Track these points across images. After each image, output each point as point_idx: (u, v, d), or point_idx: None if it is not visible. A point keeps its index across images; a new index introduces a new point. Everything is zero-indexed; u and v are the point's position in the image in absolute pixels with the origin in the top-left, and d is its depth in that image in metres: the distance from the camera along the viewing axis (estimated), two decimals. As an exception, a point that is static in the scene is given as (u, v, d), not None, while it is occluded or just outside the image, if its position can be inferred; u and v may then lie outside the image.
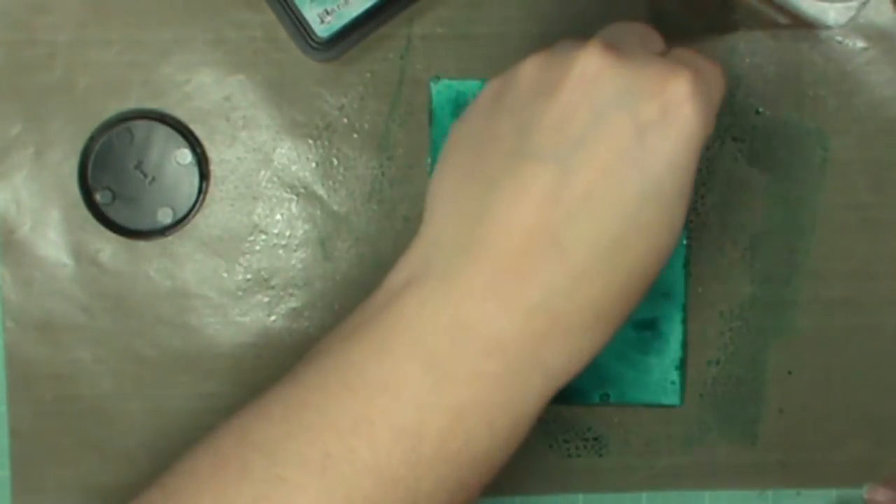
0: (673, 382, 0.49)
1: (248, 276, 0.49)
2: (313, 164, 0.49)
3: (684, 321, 0.49)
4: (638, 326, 0.49)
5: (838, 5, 0.39)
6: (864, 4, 0.39)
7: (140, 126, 0.48)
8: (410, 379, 0.33)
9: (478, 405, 0.33)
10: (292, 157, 0.49)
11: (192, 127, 0.48)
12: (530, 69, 0.34)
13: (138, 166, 0.48)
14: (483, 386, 0.33)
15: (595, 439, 0.50)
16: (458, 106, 0.48)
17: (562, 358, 0.34)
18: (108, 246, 0.49)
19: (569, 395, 0.49)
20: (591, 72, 0.33)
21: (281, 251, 0.49)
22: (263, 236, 0.49)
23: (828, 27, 0.40)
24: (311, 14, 0.47)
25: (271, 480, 0.33)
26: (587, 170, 0.32)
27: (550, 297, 0.33)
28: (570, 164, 0.32)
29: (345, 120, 0.49)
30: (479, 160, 0.34)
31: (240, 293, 0.49)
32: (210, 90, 0.49)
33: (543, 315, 0.33)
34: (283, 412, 0.35)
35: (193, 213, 0.49)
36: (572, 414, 0.50)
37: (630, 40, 0.35)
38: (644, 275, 0.34)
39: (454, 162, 0.36)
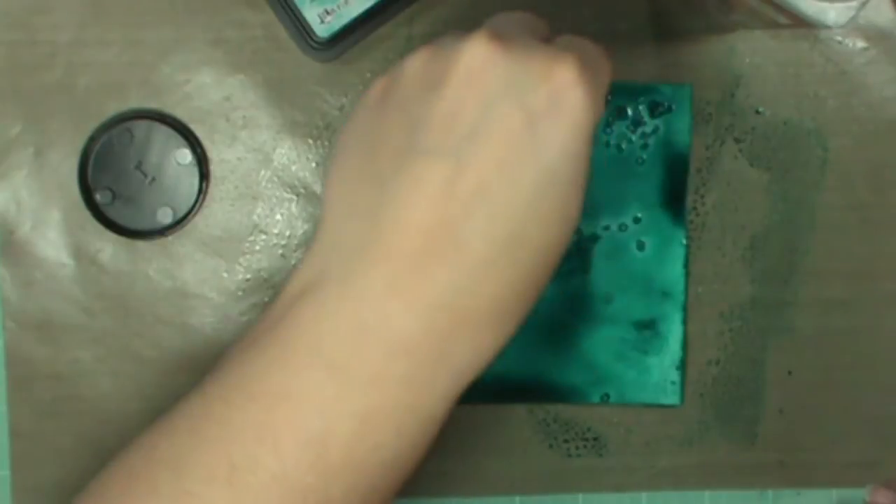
0: (673, 382, 0.49)
1: (248, 276, 0.49)
2: (313, 164, 0.49)
3: (684, 321, 0.49)
4: (638, 326, 0.49)
5: (838, 5, 0.39)
6: (864, 4, 0.39)
7: (140, 126, 0.48)
8: (312, 386, 0.33)
9: (384, 409, 0.33)
10: (292, 157, 0.49)
11: (192, 127, 0.48)
12: (416, 64, 0.34)
13: (138, 166, 0.48)
14: (388, 389, 0.33)
15: (595, 439, 0.50)
16: (458, 106, 0.48)
17: (468, 355, 0.34)
18: (108, 246, 0.49)
19: (569, 395, 0.49)
20: (476, 63, 0.33)
21: (281, 251, 0.49)
22: (263, 236, 0.49)
23: (828, 27, 0.40)
24: (311, 14, 0.47)
25: (179, 496, 0.33)
26: (480, 163, 0.32)
27: (453, 294, 0.32)
28: (462, 158, 0.32)
29: (345, 120, 0.49)
30: (371, 160, 0.34)
31: (240, 293, 0.49)
32: (210, 90, 0.49)
33: (447, 312, 0.33)
34: (188, 425, 0.34)
35: (193, 213, 0.49)
36: (572, 414, 0.50)
37: (515, 29, 0.35)
38: (545, 264, 0.34)
39: (346, 163, 0.35)
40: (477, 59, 0.32)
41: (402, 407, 0.33)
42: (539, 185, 0.32)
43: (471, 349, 0.33)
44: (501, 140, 0.32)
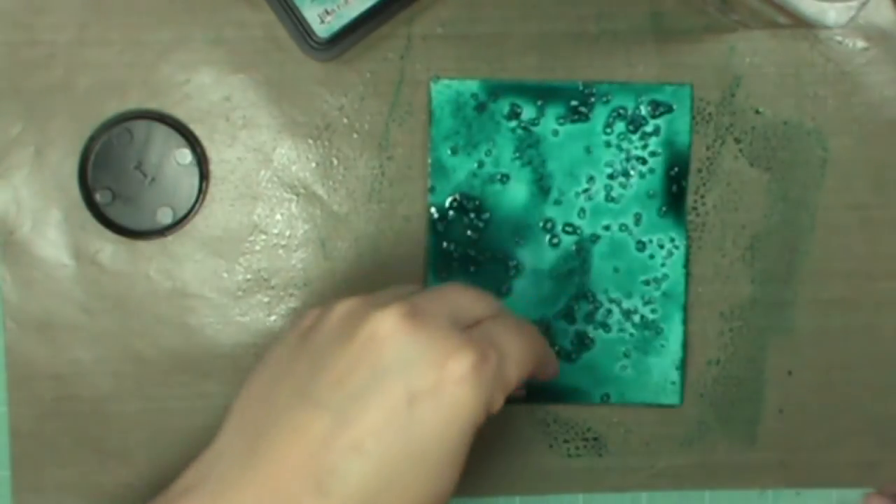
0: (673, 382, 0.49)
1: (248, 276, 0.49)
2: (313, 164, 0.49)
3: (684, 321, 0.49)
4: (638, 326, 0.49)
5: (838, 5, 0.39)
6: (864, 4, 0.39)
7: (140, 126, 0.48)
8: None
9: None
10: (292, 157, 0.49)
11: (192, 127, 0.48)
12: (339, 313, 0.37)
13: (138, 166, 0.48)
14: None
15: (595, 439, 0.50)
16: (458, 106, 0.48)
17: None
18: (108, 246, 0.49)
19: (569, 395, 0.49)
20: (380, 334, 0.35)
21: (281, 251, 0.49)
22: (263, 236, 0.49)
23: (828, 27, 0.40)
24: (311, 14, 0.47)
25: None
26: (357, 426, 0.34)
27: None
28: (343, 416, 0.34)
29: (345, 120, 0.49)
30: (273, 389, 0.36)
31: (240, 293, 0.49)
32: (210, 90, 0.49)
33: None
34: None
35: (193, 213, 0.49)
36: (572, 414, 0.50)
37: (443, 307, 0.37)
38: None
39: (256, 382, 0.37)
40: (383, 329, 0.35)
41: None
42: (408, 460, 0.34)
43: None
44: (381, 410, 0.34)
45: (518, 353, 0.37)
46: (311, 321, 0.38)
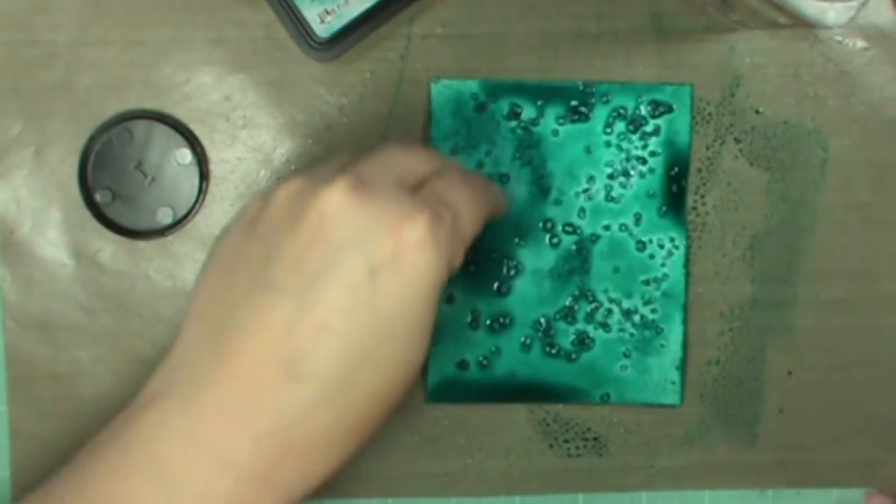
0: (673, 382, 0.49)
1: (248, 276, 0.49)
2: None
3: (684, 321, 0.49)
4: (638, 326, 0.49)
5: (838, 5, 0.39)
6: (864, 4, 0.39)
7: (140, 126, 0.48)
8: (144, 496, 0.34)
9: None
10: (292, 157, 0.49)
11: (192, 127, 0.48)
12: (284, 196, 0.35)
13: (138, 166, 0.48)
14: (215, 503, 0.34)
15: (595, 439, 0.50)
16: (458, 106, 0.48)
17: (295, 480, 0.35)
18: (108, 246, 0.49)
19: (569, 395, 0.49)
20: (330, 210, 0.34)
21: (281, 251, 0.49)
22: (263, 236, 0.49)
23: (828, 27, 0.40)
24: (311, 14, 0.47)
25: None
26: (320, 307, 0.33)
27: (283, 424, 0.34)
28: (305, 299, 0.33)
29: (345, 120, 0.49)
30: (228, 283, 0.35)
31: (240, 293, 0.49)
32: (210, 90, 0.49)
33: (276, 441, 0.34)
34: None
35: (193, 213, 0.49)
36: (572, 414, 0.50)
37: (387, 172, 0.36)
38: (378, 405, 0.35)
39: (209, 278, 0.37)
40: (332, 205, 0.34)
41: None
42: (375, 334, 0.34)
43: (298, 475, 0.35)
44: (343, 288, 0.33)
45: (470, 207, 0.36)
46: (255, 210, 0.36)
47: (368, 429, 0.35)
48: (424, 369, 0.49)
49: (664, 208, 0.49)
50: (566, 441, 0.50)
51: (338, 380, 0.34)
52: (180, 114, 0.48)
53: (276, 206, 0.35)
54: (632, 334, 0.49)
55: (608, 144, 0.49)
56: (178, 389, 0.35)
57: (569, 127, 0.48)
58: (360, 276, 0.33)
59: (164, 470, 0.34)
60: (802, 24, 0.40)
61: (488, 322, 0.49)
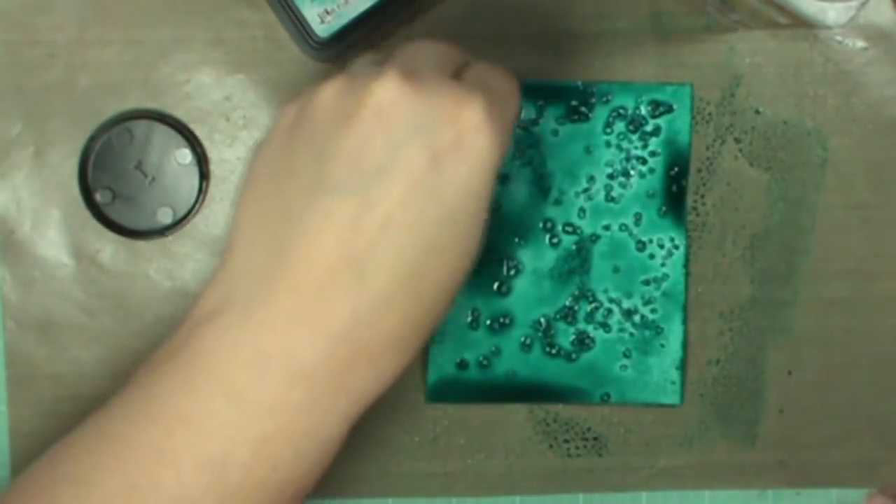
0: (673, 382, 0.49)
1: (248, 276, 0.49)
2: (313, 164, 0.49)
3: (684, 321, 0.49)
4: (638, 326, 0.49)
5: (838, 5, 0.39)
6: (864, 4, 0.39)
7: (140, 126, 0.48)
8: (213, 411, 0.34)
9: (283, 434, 0.34)
10: (292, 157, 0.49)
11: (192, 127, 0.48)
12: (327, 97, 0.35)
13: (138, 166, 0.48)
14: (287, 415, 0.34)
15: (595, 439, 0.50)
16: (458, 106, 0.48)
17: (366, 382, 0.34)
18: (108, 246, 0.49)
19: (569, 395, 0.49)
20: (386, 102, 0.33)
21: (281, 251, 0.49)
22: (263, 236, 0.49)
23: (828, 27, 0.40)
24: (311, 14, 0.47)
25: None
26: (385, 201, 0.33)
27: (354, 325, 0.33)
28: (367, 195, 0.33)
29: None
30: (280, 191, 0.35)
31: (240, 293, 0.49)
32: (210, 90, 0.49)
33: (347, 343, 0.34)
34: (91, 443, 0.35)
35: (193, 213, 0.49)
36: (572, 414, 0.50)
37: (427, 63, 0.35)
38: (443, 298, 0.35)
39: (256, 190, 0.36)
40: (386, 97, 0.33)
41: (300, 432, 0.34)
42: (441, 222, 0.33)
43: (369, 376, 0.34)
44: (406, 179, 0.33)
45: (509, 89, 0.36)
46: (292, 116, 0.36)
47: (431, 324, 0.35)
48: (424, 369, 0.49)
49: (664, 208, 0.49)
50: (566, 441, 0.50)
51: (406, 275, 0.33)
52: (180, 114, 0.48)
53: (322, 107, 0.34)
54: (632, 334, 0.49)
55: (608, 144, 0.49)
56: (238, 302, 0.34)
57: (569, 127, 0.48)
58: (423, 165, 0.33)
59: (231, 385, 0.34)
60: (802, 24, 0.40)
61: (488, 322, 0.49)
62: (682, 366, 0.49)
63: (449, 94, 0.34)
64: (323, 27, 0.47)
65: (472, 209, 0.34)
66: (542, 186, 0.49)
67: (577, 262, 0.49)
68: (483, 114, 0.33)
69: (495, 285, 0.49)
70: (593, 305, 0.49)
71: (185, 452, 0.34)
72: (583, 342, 0.49)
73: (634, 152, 0.49)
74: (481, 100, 0.33)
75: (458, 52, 0.37)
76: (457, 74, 0.36)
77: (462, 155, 0.33)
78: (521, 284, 0.49)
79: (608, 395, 0.49)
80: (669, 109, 0.49)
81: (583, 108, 0.48)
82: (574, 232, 0.49)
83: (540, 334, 0.49)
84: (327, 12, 0.47)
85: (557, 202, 0.49)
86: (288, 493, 0.35)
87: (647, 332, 0.49)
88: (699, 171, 0.49)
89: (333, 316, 0.33)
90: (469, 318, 0.49)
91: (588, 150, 0.49)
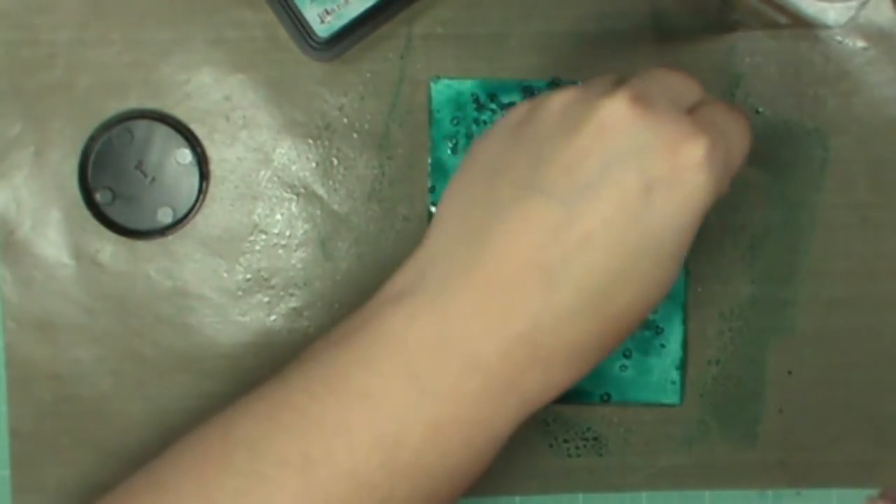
0: (673, 382, 0.49)
1: (248, 276, 0.49)
2: (313, 164, 0.49)
3: (684, 321, 0.49)
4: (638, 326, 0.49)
5: (838, 5, 0.39)
6: (864, 4, 0.39)
7: (140, 126, 0.48)
8: (392, 390, 0.34)
9: (456, 422, 0.34)
10: (292, 157, 0.49)
11: (192, 127, 0.49)
12: (558, 104, 0.35)
13: (138, 166, 0.48)
14: (462, 404, 0.34)
15: (595, 439, 0.50)
16: (458, 106, 0.48)
17: (538, 386, 0.35)
18: (108, 246, 0.49)
19: (569, 395, 0.49)
20: (611, 121, 0.33)
21: (281, 251, 0.49)
22: (263, 236, 0.49)
23: (828, 27, 0.40)
24: (311, 14, 0.47)
25: (252, 475, 0.34)
26: (589, 216, 0.33)
27: (534, 330, 0.34)
28: (574, 207, 0.33)
29: (345, 120, 0.49)
30: (491, 185, 0.35)
31: (240, 293, 0.49)
32: (210, 90, 0.49)
33: (525, 346, 0.34)
34: (267, 410, 0.35)
35: (193, 212, 0.49)
36: (572, 414, 0.50)
37: (663, 91, 0.35)
38: (627, 323, 0.35)
39: (467, 181, 0.36)
40: (612, 116, 0.33)
41: (472, 422, 0.35)
42: (640, 250, 0.33)
43: (541, 382, 0.35)
44: (614, 200, 0.33)
45: (740, 136, 0.36)
46: (521, 115, 0.36)
47: (611, 346, 0.35)
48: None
49: (664, 208, 0.49)
50: (566, 441, 0.50)
51: (595, 291, 0.33)
52: (180, 114, 0.48)
53: (550, 112, 0.35)
54: (632, 334, 0.49)
55: (608, 144, 0.48)
56: (430, 288, 0.35)
57: (569, 127, 0.48)
58: (634, 190, 0.33)
59: (413, 367, 0.34)
60: (802, 24, 0.41)
61: (488, 322, 0.48)
62: (682, 366, 0.49)
63: (674, 126, 0.33)
64: (323, 27, 0.47)
65: (674, 245, 0.34)
66: (542, 186, 0.48)
67: (577, 262, 0.49)
68: (704, 152, 0.33)
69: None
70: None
71: (361, 428, 0.34)
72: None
73: (634, 152, 0.49)
74: (706, 139, 0.33)
75: (697, 87, 0.37)
76: (692, 109, 0.36)
77: (674, 190, 0.33)
78: (521, 284, 0.49)
79: (608, 395, 0.49)
80: (669, 109, 0.49)
81: (583, 108, 0.48)
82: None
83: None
84: (327, 12, 0.47)
85: (557, 202, 0.49)
86: (452, 483, 0.35)
87: (647, 332, 0.49)
88: (699, 171, 0.49)
89: (516, 316, 0.34)
90: (469, 318, 0.48)
91: (588, 150, 0.48)
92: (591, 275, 0.33)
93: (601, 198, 0.33)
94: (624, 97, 0.34)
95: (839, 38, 0.49)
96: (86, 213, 0.48)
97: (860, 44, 0.49)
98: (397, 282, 0.36)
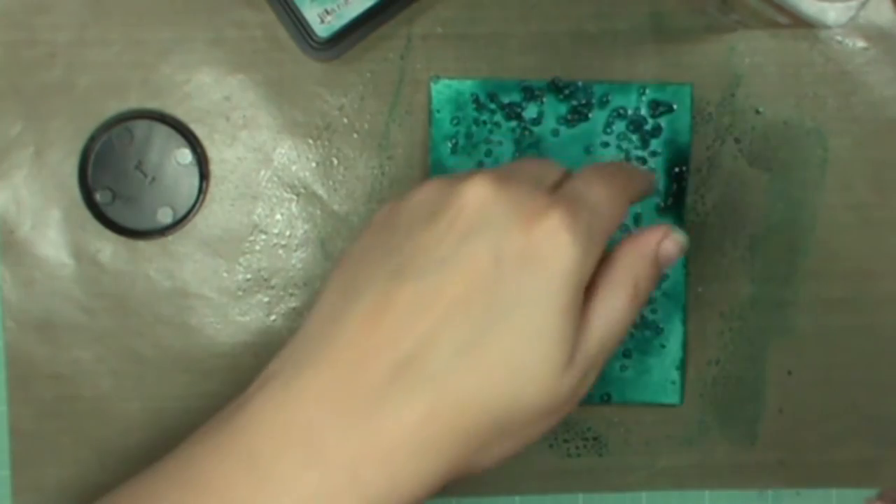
0: (673, 382, 0.49)
1: (248, 276, 0.49)
2: (313, 164, 0.49)
3: (684, 321, 0.49)
4: (638, 326, 0.49)
5: (838, 5, 0.39)
6: (864, 4, 0.39)
7: (140, 126, 0.48)
8: (234, 481, 0.33)
9: None
10: (292, 157, 0.49)
11: (192, 127, 0.48)
12: (425, 193, 0.36)
13: (138, 166, 0.48)
14: (300, 496, 0.33)
15: (595, 439, 0.50)
16: (458, 106, 0.48)
17: (384, 483, 0.33)
18: (108, 246, 0.49)
19: (569, 395, 0.49)
20: (469, 202, 0.34)
21: (281, 251, 0.49)
22: (263, 236, 0.49)
23: (828, 27, 0.40)
24: (311, 14, 0.47)
25: None
26: (442, 292, 0.33)
27: (373, 418, 0.33)
28: (427, 283, 0.33)
29: (345, 120, 0.49)
30: (355, 274, 0.35)
31: (240, 293, 0.49)
32: (210, 90, 0.49)
33: (365, 437, 0.33)
34: (130, 502, 0.35)
35: (193, 212, 0.49)
36: (572, 414, 0.50)
37: (524, 173, 0.36)
38: (485, 409, 0.33)
39: (339, 271, 0.36)
40: (472, 198, 0.34)
41: None
42: (491, 326, 0.33)
43: (384, 478, 0.33)
44: (465, 274, 0.33)
45: (607, 199, 0.35)
46: (386, 212, 0.37)
47: (466, 440, 0.33)
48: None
49: (664, 208, 0.49)
50: (566, 441, 0.50)
51: (440, 376, 0.32)
52: (180, 114, 0.48)
53: (413, 203, 0.36)
54: (632, 334, 0.49)
55: (608, 144, 0.49)
56: (286, 371, 0.34)
57: (569, 127, 0.48)
58: (484, 265, 0.33)
59: (256, 456, 0.33)
60: (802, 24, 0.41)
61: (488, 322, 0.48)
62: (682, 366, 0.49)
63: (530, 201, 0.34)
64: (323, 27, 0.47)
65: (536, 320, 0.33)
66: (542, 186, 0.49)
67: (577, 262, 0.49)
68: (559, 224, 0.33)
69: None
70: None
71: None
72: (583, 342, 0.49)
73: (634, 152, 0.49)
74: (562, 211, 0.33)
75: (557, 167, 0.37)
76: (555, 187, 0.36)
77: (530, 261, 0.33)
78: (521, 284, 0.49)
79: (608, 395, 0.49)
80: (669, 109, 0.49)
81: (583, 108, 0.48)
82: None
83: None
84: (327, 12, 0.47)
85: (557, 202, 0.49)
86: None
87: (647, 332, 0.49)
88: (699, 171, 0.49)
89: (357, 404, 0.33)
90: (469, 318, 0.48)
91: (588, 151, 0.49)
92: (447, 352, 0.32)
93: (451, 273, 0.33)
94: (484, 179, 0.34)
95: (839, 38, 0.49)
96: (86, 213, 0.48)
97: (860, 44, 0.49)
98: (269, 368, 0.35)
